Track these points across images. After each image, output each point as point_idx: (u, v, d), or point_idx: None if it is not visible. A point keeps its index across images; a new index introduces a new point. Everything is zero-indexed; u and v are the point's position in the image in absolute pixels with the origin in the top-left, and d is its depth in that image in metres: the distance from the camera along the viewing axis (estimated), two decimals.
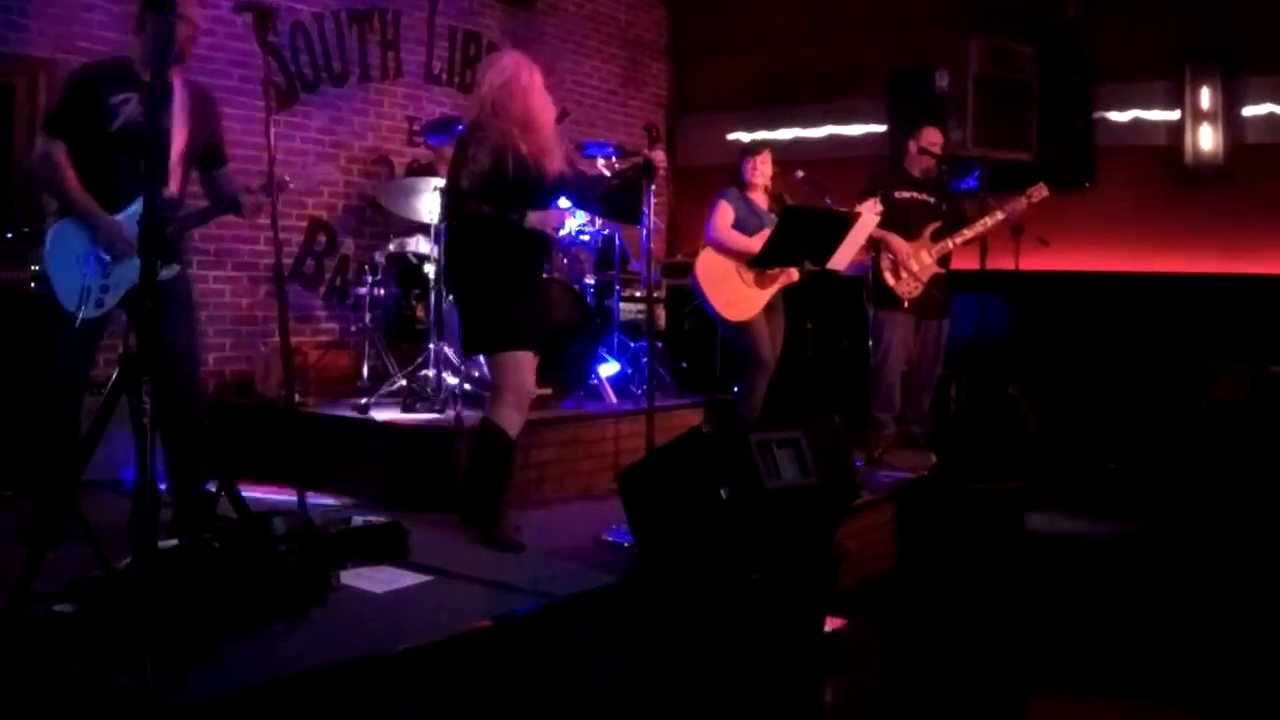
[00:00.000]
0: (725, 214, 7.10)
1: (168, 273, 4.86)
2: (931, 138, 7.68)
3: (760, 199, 7.21)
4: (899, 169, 7.82)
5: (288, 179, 5.34)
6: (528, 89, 5.29)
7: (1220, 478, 7.35)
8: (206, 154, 5.13)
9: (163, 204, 4.77)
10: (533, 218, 5.19)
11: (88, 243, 4.73)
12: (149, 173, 3.65)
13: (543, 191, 5.32)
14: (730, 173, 7.36)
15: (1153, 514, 7.22)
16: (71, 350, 4.86)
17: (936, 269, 7.53)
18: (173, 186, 4.88)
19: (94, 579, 3.87)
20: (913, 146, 7.72)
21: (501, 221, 5.16)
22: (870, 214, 6.82)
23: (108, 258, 4.74)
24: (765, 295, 7.04)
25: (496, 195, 5.17)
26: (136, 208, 4.66)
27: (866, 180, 7.65)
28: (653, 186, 5.60)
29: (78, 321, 4.70)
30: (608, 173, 7.80)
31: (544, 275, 5.61)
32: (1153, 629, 5.70)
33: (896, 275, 7.42)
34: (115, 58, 4.97)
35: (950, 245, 7.49)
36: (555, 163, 5.36)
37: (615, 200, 5.66)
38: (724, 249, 7.02)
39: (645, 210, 5.76)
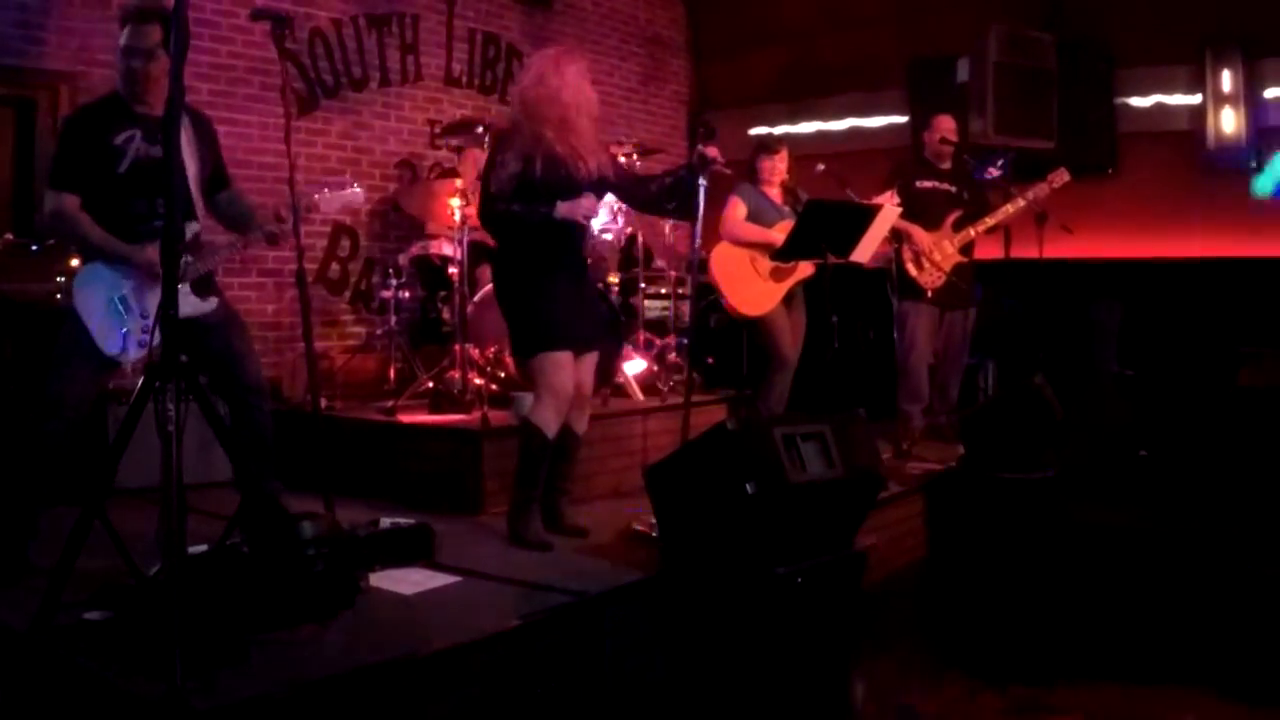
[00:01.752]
0: (737, 208, 7.18)
1: (208, 306, 4.86)
2: (945, 125, 7.69)
3: (775, 194, 7.24)
4: (921, 159, 7.83)
5: (317, 198, 5.21)
6: (560, 88, 5.21)
7: (1252, 463, 7.30)
8: (213, 178, 5.05)
9: (193, 237, 4.79)
10: (562, 208, 5.14)
11: (121, 285, 4.63)
12: (167, 186, 3.63)
13: (577, 191, 5.25)
14: (745, 167, 7.38)
15: (1184, 500, 7.17)
16: (84, 374, 4.67)
17: (959, 258, 7.51)
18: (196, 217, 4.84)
19: (124, 586, 3.90)
20: (929, 138, 7.73)
21: (531, 217, 5.14)
22: (891, 205, 6.79)
23: (145, 295, 4.61)
24: (781, 289, 7.06)
25: (526, 197, 5.16)
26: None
27: (888, 172, 7.65)
28: (703, 182, 5.55)
29: (128, 365, 4.66)
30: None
31: (582, 276, 5.55)
32: (1183, 615, 5.68)
33: (919, 266, 7.41)
34: (105, 96, 4.84)
35: (972, 233, 7.47)
36: (591, 163, 5.31)
37: (668, 197, 5.60)
38: (740, 242, 7.08)
39: (698, 206, 5.70)
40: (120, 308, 4.61)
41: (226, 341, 4.95)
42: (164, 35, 4.62)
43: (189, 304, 4.67)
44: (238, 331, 5.10)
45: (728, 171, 5.62)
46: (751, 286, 7.08)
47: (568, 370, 5.25)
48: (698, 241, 5.89)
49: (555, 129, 5.20)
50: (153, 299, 4.57)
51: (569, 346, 5.26)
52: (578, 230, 5.40)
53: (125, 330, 4.60)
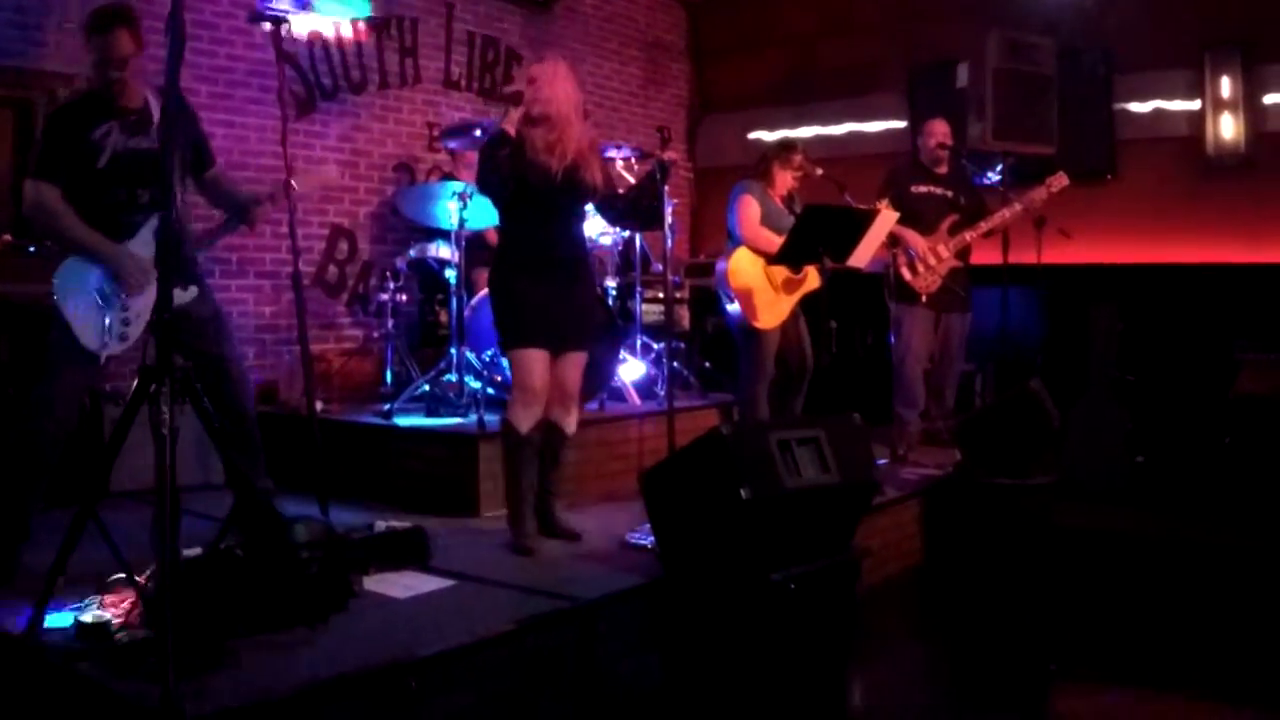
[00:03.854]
0: (752, 208, 6.92)
1: (188, 296, 4.79)
2: (939, 130, 7.68)
3: (776, 197, 7.11)
4: (917, 164, 7.82)
5: (294, 184, 5.28)
6: (532, 97, 5.30)
7: (1249, 469, 7.29)
8: (196, 157, 5.04)
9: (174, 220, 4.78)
10: None
11: (100, 279, 4.62)
12: (162, 179, 3.63)
13: (546, 182, 5.26)
14: (756, 168, 7.17)
15: (1181, 507, 7.17)
16: (72, 377, 4.67)
17: (955, 263, 7.50)
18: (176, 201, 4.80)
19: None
20: (924, 144, 7.74)
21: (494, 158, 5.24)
22: (888, 210, 6.76)
23: (124, 292, 4.63)
24: (792, 301, 6.94)
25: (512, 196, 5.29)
26: (143, 236, 4.68)
27: (886, 177, 7.65)
28: (666, 188, 5.55)
29: (103, 359, 4.64)
30: (629, 176, 7.80)
31: (572, 277, 5.53)
32: (1178, 621, 5.69)
33: (913, 270, 7.40)
34: (87, 93, 4.83)
35: (968, 238, 7.46)
36: (556, 162, 5.26)
37: (636, 210, 5.63)
38: (760, 249, 6.85)
39: (665, 212, 5.71)
40: (100, 301, 4.60)
41: (214, 340, 4.96)
42: (132, 34, 4.65)
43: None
44: (224, 330, 5.12)
45: (681, 175, 5.67)
46: (766, 298, 6.89)
47: (536, 367, 5.27)
48: (669, 244, 5.90)
49: (529, 128, 5.29)
50: (133, 294, 4.65)
51: (537, 344, 5.27)
52: (568, 230, 5.41)
53: (106, 323, 4.60)
